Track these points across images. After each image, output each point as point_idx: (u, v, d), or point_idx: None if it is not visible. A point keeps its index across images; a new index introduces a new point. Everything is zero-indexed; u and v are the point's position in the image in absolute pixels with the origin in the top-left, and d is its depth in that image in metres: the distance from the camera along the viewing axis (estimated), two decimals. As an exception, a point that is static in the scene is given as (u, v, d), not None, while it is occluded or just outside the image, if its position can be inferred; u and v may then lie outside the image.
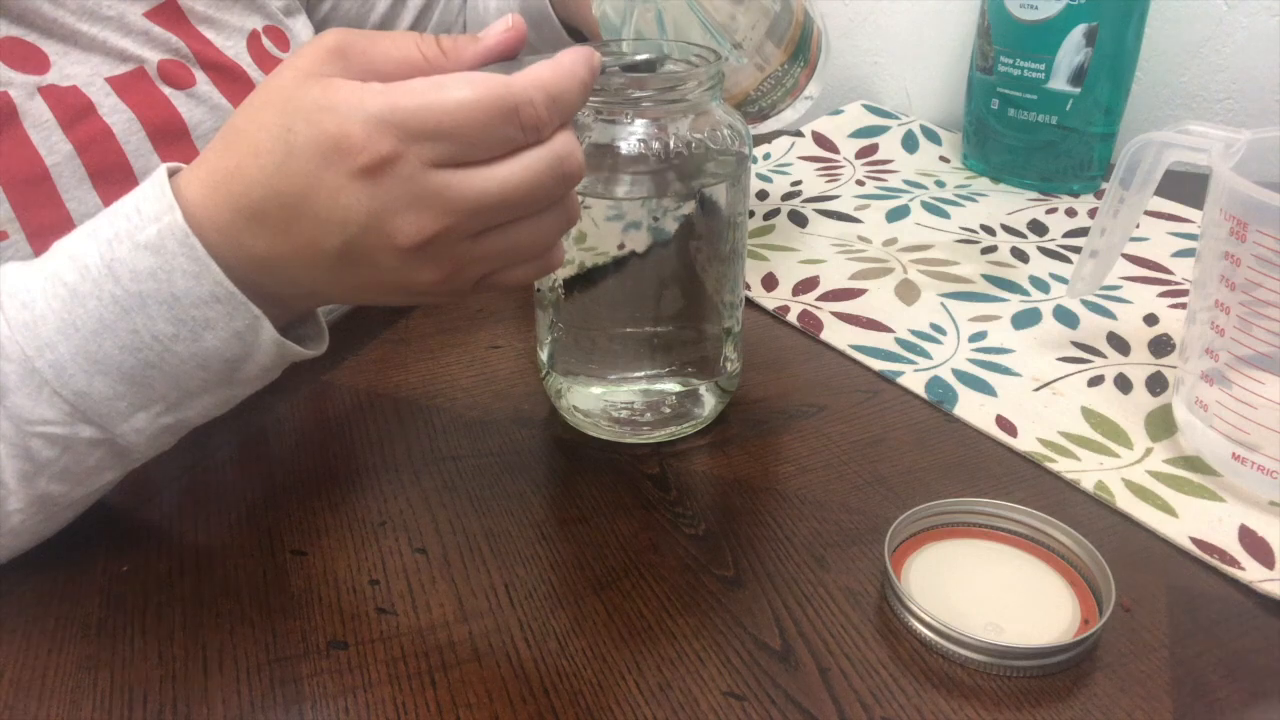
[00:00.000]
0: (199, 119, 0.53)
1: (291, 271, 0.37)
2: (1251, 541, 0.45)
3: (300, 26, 0.63)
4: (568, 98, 0.36)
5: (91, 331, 0.37)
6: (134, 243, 0.36)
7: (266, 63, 0.57)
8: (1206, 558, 0.44)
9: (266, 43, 0.58)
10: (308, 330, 0.43)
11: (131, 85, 0.51)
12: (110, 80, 0.51)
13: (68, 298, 0.37)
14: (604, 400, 0.51)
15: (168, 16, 0.54)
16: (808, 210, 0.79)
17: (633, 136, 0.45)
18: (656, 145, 0.45)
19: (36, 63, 0.49)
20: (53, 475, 0.39)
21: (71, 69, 0.50)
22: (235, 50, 0.56)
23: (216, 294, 0.37)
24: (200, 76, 0.54)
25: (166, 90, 0.52)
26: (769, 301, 0.65)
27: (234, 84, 0.55)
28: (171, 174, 0.38)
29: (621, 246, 0.48)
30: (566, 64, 0.36)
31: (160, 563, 0.44)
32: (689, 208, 0.47)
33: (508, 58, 0.38)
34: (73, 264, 0.37)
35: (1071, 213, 0.79)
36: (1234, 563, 0.43)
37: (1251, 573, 0.43)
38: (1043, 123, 0.82)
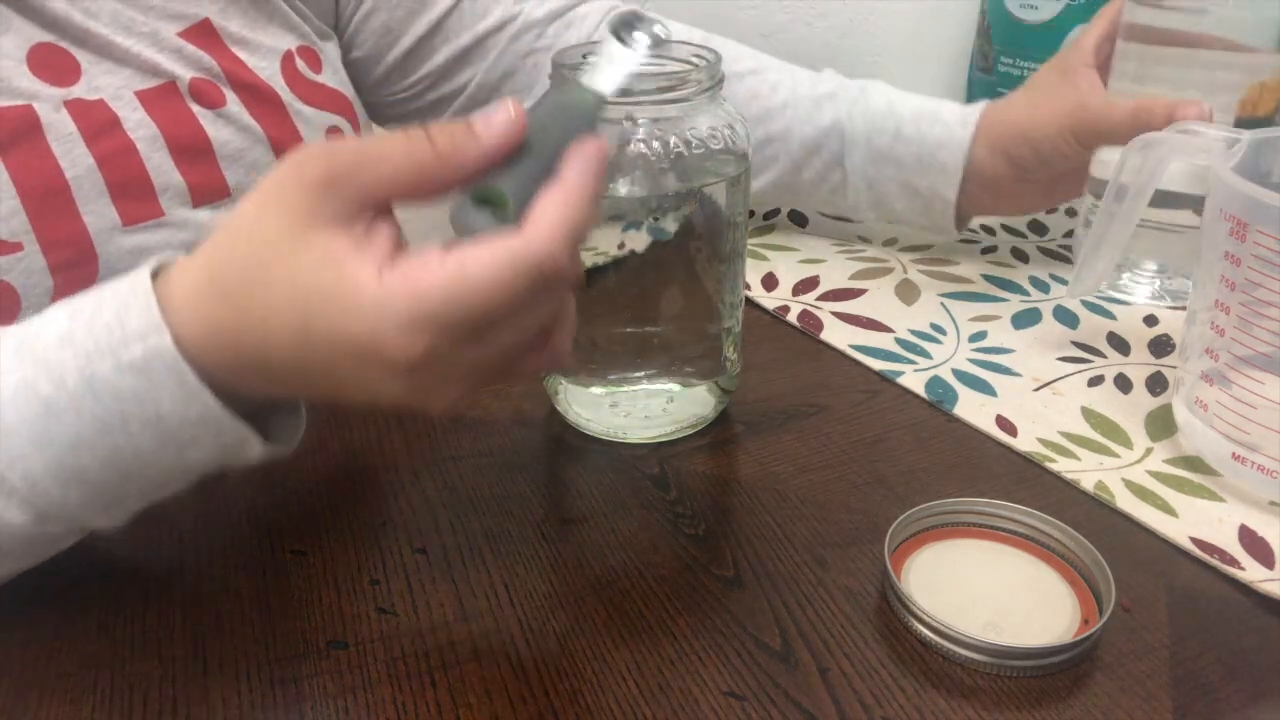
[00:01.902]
0: (226, 139, 0.52)
1: (290, 393, 0.38)
2: (1251, 541, 0.45)
3: (331, 49, 0.62)
4: (586, 226, 0.34)
5: (68, 445, 0.35)
6: (117, 361, 0.34)
7: (299, 84, 0.57)
8: (1206, 558, 0.44)
9: (300, 64, 0.57)
10: (286, 417, 0.41)
11: (160, 100, 0.51)
12: (139, 94, 0.50)
13: (42, 411, 0.35)
14: (604, 400, 0.51)
15: (201, 36, 0.53)
16: (808, 210, 0.79)
17: (633, 136, 0.45)
18: (656, 145, 0.45)
19: (67, 72, 0.49)
20: (14, 559, 0.38)
21: (102, 80, 0.49)
22: (269, 71, 0.55)
23: (205, 417, 0.35)
24: (230, 97, 0.53)
25: (196, 108, 0.52)
26: (769, 301, 0.65)
27: (264, 105, 0.54)
28: (154, 273, 0.36)
29: (621, 246, 0.47)
30: (575, 185, 0.34)
31: (160, 563, 0.44)
32: (689, 208, 0.47)
33: (509, 155, 0.34)
34: (48, 374, 0.35)
35: (1072, 213, 0.79)
36: (1234, 563, 0.43)
37: (1251, 573, 0.43)
38: (1043, 123, 0.82)
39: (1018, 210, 0.71)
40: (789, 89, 0.68)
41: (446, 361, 0.33)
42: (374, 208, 0.34)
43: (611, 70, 0.38)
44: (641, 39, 0.39)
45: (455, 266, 0.32)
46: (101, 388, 0.35)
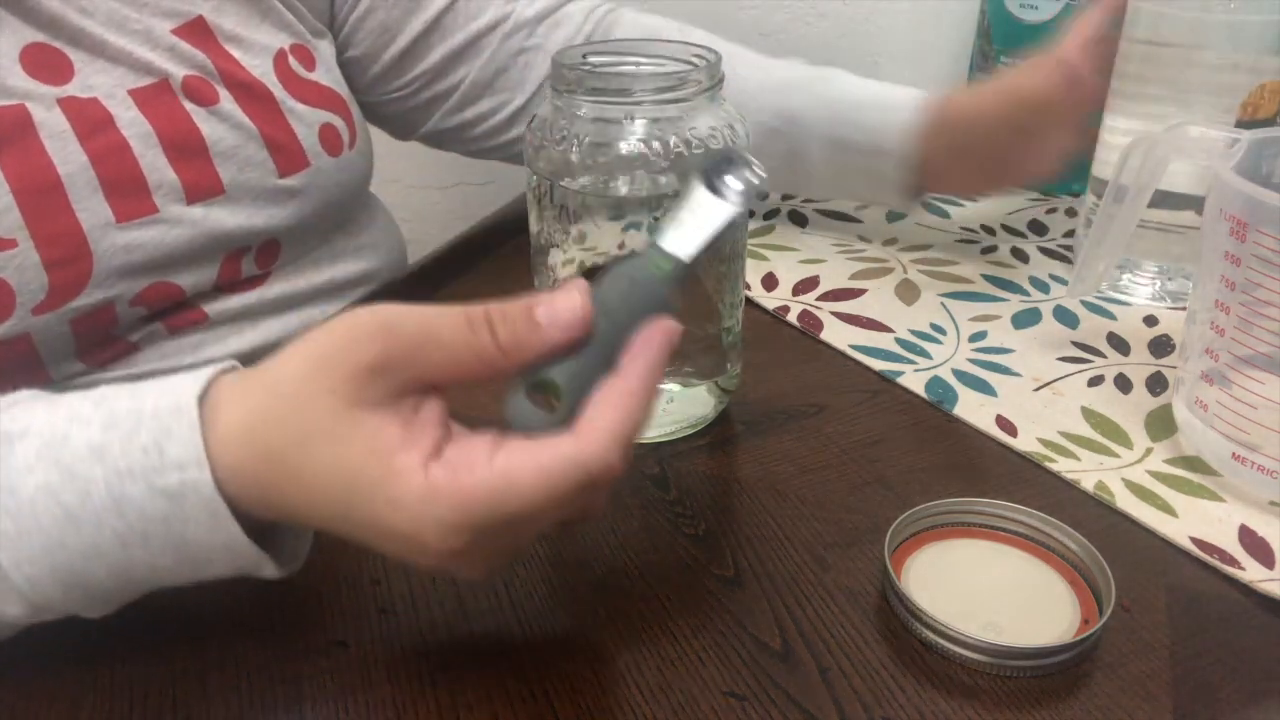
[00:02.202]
0: (219, 136, 0.52)
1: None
2: (1251, 541, 0.45)
3: (326, 47, 0.62)
4: (643, 425, 0.34)
5: (80, 554, 0.34)
6: (149, 485, 0.33)
7: (291, 82, 0.57)
8: (1206, 558, 0.44)
9: (293, 62, 0.58)
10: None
11: (153, 98, 0.51)
12: (133, 92, 0.50)
13: (62, 518, 0.34)
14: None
15: (195, 33, 0.53)
16: (808, 210, 0.79)
17: (633, 136, 0.45)
18: (656, 145, 0.45)
19: (61, 71, 0.49)
20: None
21: (95, 79, 0.50)
22: (262, 69, 0.55)
23: (231, 545, 0.35)
24: (224, 94, 0.53)
25: (189, 106, 0.52)
26: (769, 301, 0.65)
27: (257, 102, 0.54)
28: (201, 398, 0.34)
29: (621, 246, 0.47)
30: (634, 383, 0.33)
31: (160, 563, 0.44)
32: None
33: (571, 349, 0.33)
34: (73, 486, 0.34)
35: (1072, 213, 0.79)
36: (1234, 563, 0.43)
37: (1251, 573, 0.43)
38: (1043, 123, 0.82)
39: (967, 190, 0.74)
40: (746, 79, 0.69)
41: (482, 549, 0.33)
42: (426, 388, 0.34)
43: (696, 225, 0.35)
44: (734, 186, 0.35)
45: (502, 473, 0.32)
46: (128, 507, 0.34)
